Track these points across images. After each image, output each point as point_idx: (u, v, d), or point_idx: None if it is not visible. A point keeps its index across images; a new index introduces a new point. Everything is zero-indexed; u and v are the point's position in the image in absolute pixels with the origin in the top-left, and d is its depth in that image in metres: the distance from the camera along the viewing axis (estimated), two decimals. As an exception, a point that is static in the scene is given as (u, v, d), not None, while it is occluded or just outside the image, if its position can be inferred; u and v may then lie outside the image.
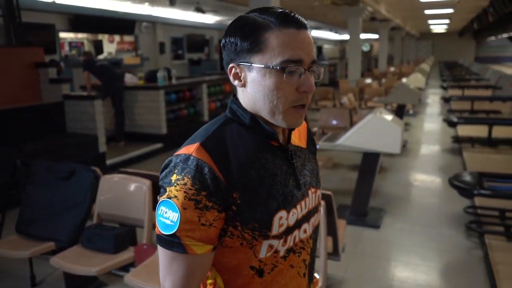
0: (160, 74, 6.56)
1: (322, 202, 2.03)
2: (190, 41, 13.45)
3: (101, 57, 10.36)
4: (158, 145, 6.44)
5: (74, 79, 8.12)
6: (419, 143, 6.85)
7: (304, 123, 0.98)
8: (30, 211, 2.73)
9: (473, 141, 6.20)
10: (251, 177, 0.79)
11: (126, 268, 2.42)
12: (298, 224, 0.86)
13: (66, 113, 5.43)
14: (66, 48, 9.94)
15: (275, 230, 0.81)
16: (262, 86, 0.79)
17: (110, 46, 11.15)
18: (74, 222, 2.58)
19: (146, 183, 2.49)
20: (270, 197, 0.80)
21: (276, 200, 0.81)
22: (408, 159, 5.88)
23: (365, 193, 3.72)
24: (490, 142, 6.01)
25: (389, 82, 9.92)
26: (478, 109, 8.65)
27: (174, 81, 7.09)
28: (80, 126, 5.40)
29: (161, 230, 0.78)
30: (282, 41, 0.77)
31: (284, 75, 0.78)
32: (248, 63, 0.80)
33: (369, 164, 3.64)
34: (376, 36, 21.37)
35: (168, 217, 0.76)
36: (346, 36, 22.27)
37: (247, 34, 0.79)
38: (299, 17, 0.80)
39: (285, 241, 0.83)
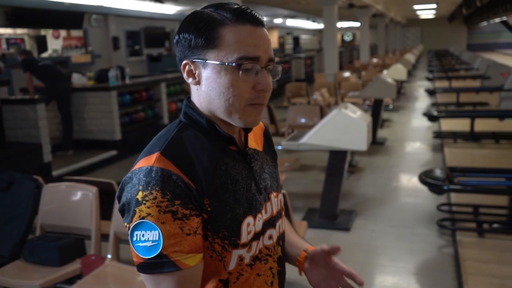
0: (112, 73, 6.71)
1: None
2: (148, 34, 13.54)
3: (45, 55, 10.37)
4: (112, 153, 6.59)
5: (14, 81, 8.14)
6: (399, 140, 7.22)
7: (261, 125, 1.08)
8: (-34, 226, 2.87)
9: (455, 136, 6.59)
10: (215, 184, 0.86)
11: (73, 281, 2.59)
12: (263, 229, 0.94)
13: (4, 120, 5.51)
14: (4, 45, 9.92)
15: (244, 237, 0.89)
16: (217, 83, 0.86)
17: (55, 42, 11.14)
18: (15, 236, 2.73)
19: (93, 190, 2.67)
20: (236, 203, 0.88)
21: (242, 206, 0.89)
22: (386, 157, 6.22)
23: (333, 195, 3.98)
24: (473, 136, 6.41)
25: (370, 75, 10.32)
26: (465, 102, 9.12)
27: (128, 81, 7.24)
28: (21, 134, 5.50)
29: (143, 256, 0.80)
30: (238, 37, 0.85)
31: (240, 72, 0.85)
32: (202, 59, 0.87)
33: (336, 163, 3.91)
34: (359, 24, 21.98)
35: (147, 239, 0.79)
36: (325, 25, 22.67)
37: (202, 30, 0.86)
38: (256, 13, 0.88)
39: (250, 248, 0.91)
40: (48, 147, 5.53)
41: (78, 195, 2.73)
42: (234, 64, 0.85)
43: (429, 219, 4.03)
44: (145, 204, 0.79)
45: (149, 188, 0.79)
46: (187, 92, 8.85)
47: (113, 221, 2.54)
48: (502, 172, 4.00)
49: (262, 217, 0.93)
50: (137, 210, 0.79)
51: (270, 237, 0.96)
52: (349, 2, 12.29)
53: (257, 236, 0.92)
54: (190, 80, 0.91)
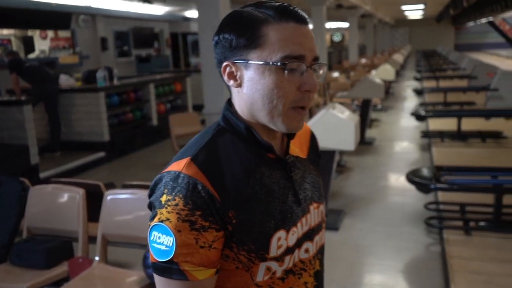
0: (100, 74, 6.67)
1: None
2: (137, 35, 13.49)
3: (32, 56, 10.28)
4: (100, 154, 6.55)
5: (0, 82, 8.07)
6: (387, 140, 7.27)
7: (307, 128, 1.02)
8: (-49, 229, 2.83)
9: (442, 135, 6.65)
10: (246, 194, 0.83)
11: (60, 283, 2.58)
12: (298, 243, 0.89)
13: (-9, 122, 5.47)
14: (-10, 46, 9.81)
15: (273, 252, 0.84)
16: (260, 85, 0.83)
17: (42, 43, 11.05)
18: (1, 239, 2.71)
19: (80, 192, 2.66)
20: (267, 216, 0.84)
21: (274, 219, 0.85)
22: (374, 157, 6.26)
23: (322, 194, 4.00)
24: (459, 136, 6.48)
25: (358, 75, 10.37)
26: (452, 101, 9.21)
27: (116, 82, 7.20)
28: (7, 135, 5.45)
29: (156, 257, 0.80)
30: (282, 35, 0.81)
31: (286, 72, 0.82)
32: (244, 60, 0.83)
33: (325, 163, 3.92)
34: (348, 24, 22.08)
35: (162, 242, 0.79)
36: (314, 25, 22.72)
37: (243, 29, 0.83)
38: (299, 10, 0.85)
39: (283, 261, 0.86)
40: (35, 149, 5.48)
41: (65, 197, 2.71)
42: (279, 64, 0.81)
43: (416, 217, 4.07)
44: (166, 208, 0.79)
45: (173, 194, 0.79)
46: (176, 93, 8.83)
47: (101, 223, 2.53)
48: (488, 170, 4.05)
49: (298, 230, 0.89)
50: (158, 212, 0.80)
51: (307, 251, 0.92)
52: (338, 3, 12.34)
53: (290, 250, 0.87)
54: (231, 83, 0.88)
